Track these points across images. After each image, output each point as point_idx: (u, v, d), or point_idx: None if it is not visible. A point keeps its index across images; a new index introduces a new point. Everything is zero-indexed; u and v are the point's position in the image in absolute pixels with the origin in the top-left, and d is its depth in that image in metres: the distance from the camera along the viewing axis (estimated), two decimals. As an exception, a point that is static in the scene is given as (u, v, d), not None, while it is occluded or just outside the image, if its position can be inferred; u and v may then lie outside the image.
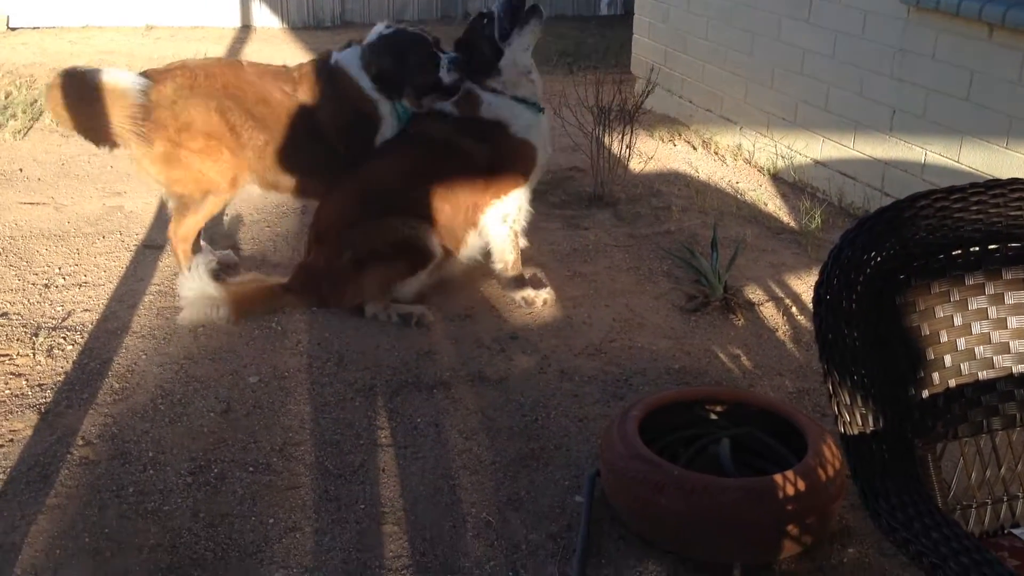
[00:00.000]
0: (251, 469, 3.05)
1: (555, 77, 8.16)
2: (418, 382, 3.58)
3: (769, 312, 4.17)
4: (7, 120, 6.41)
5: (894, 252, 1.92)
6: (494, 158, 4.10)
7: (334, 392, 3.50)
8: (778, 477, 2.60)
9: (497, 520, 2.86)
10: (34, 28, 9.30)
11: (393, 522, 2.85)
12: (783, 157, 5.81)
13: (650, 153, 6.15)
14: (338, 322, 4.00)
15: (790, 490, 2.59)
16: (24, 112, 6.57)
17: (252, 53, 8.80)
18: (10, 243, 4.64)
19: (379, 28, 4.23)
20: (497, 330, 4.00)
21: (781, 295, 4.32)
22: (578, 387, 3.58)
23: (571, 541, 2.77)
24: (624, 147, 5.48)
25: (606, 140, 5.43)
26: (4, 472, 2.99)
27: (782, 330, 4.03)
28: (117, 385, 3.50)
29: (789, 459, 2.79)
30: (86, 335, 3.85)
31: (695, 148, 6.38)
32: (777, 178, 5.80)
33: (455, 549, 2.75)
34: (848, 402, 1.89)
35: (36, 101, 6.83)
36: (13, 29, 9.22)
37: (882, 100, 5.04)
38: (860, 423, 1.90)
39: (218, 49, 8.86)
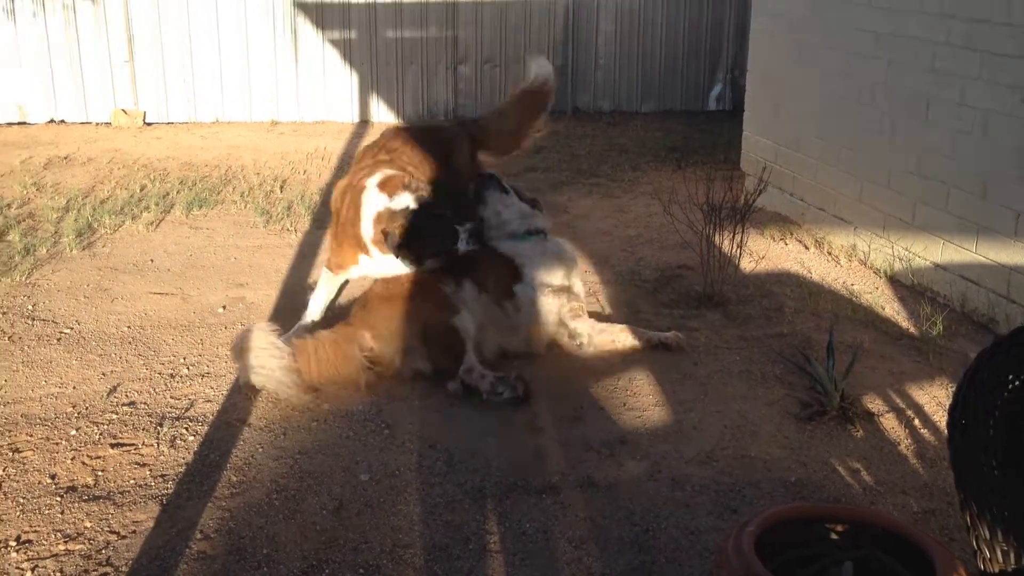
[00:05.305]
0: (361, 571, 3.07)
1: (663, 173, 8.23)
2: (527, 485, 3.56)
3: (890, 424, 4.03)
4: (141, 212, 6.78)
5: (1036, 381, 1.84)
6: None
7: (443, 493, 3.51)
8: (906, 607, 2.47)
9: (607, 637, 2.80)
10: (168, 124, 9.88)
11: (502, 633, 2.81)
12: (900, 259, 5.68)
13: (761, 252, 6.10)
14: (446, 420, 4.03)
15: (920, 622, 2.45)
16: (157, 205, 6.94)
17: (368, 147, 9.12)
18: (140, 332, 4.86)
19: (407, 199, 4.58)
20: (606, 433, 3.97)
21: (902, 406, 4.18)
22: (690, 497, 3.51)
23: (684, 664, 2.68)
24: (735, 246, 5.44)
25: (716, 239, 5.40)
26: (126, 564, 3.08)
27: (904, 444, 3.88)
28: (235, 478, 3.59)
29: (916, 587, 2.65)
30: (207, 426, 3.97)
31: (807, 248, 6.29)
32: (894, 281, 5.66)
33: (564, 666, 2.69)
34: (988, 536, 1.81)
35: (168, 194, 7.21)
36: (149, 124, 9.81)
37: (1007, 203, 4.89)
38: (1001, 559, 1.81)
39: (337, 144, 9.23)
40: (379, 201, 4.61)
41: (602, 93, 10.93)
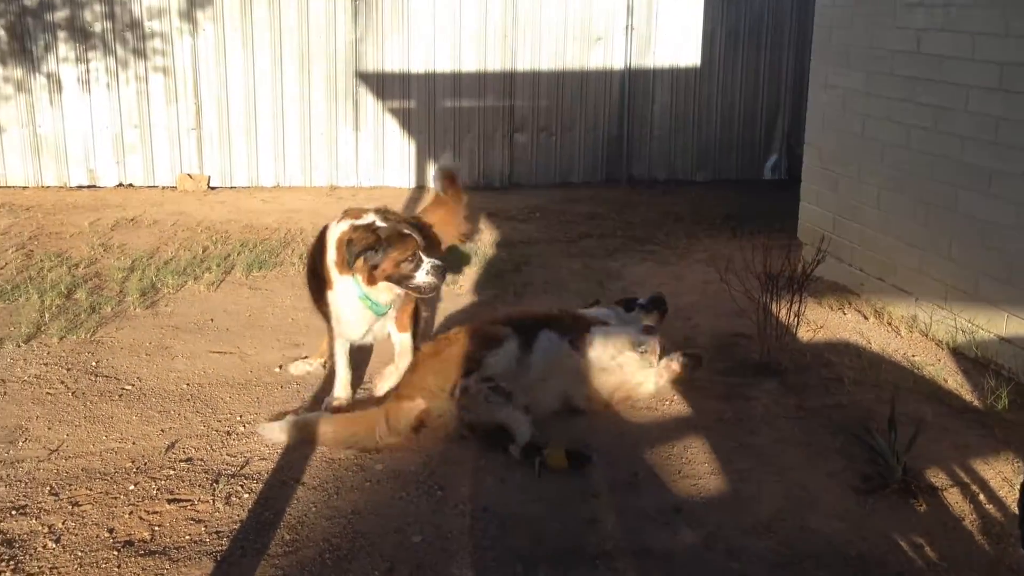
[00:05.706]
0: (413, 634, 3.04)
1: (719, 241, 8.20)
2: (581, 552, 3.52)
3: (954, 499, 3.92)
4: (202, 273, 6.93)
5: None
6: None
7: (495, 557, 3.48)
8: None
9: None
10: (231, 188, 10.14)
11: None
12: (963, 331, 5.57)
13: (819, 321, 6.02)
14: (499, 483, 4.01)
15: None
16: (218, 266, 7.09)
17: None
18: (199, 390, 4.94)
19: (373, 216, 4.64)
20: (661, 500, 3.91)
21: (967, 480, 4.06)
22: (746, 568, 3.43)
23: None
24: (792, 315, 5.39)
25: (773, 307, 5.36)
26: (180, 619, 3.09)
27: (969, 519, 3.76)
28: (288, 536, 3.60)
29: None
30: (262, 484, 4.00)
31: (866, 318, 6.20)
32: (957, 353, 5.54)
33: None
34: (1062, 619, 1.74)
35: (229, 256, 7.38)
36: (212, 188, 10.08)
37: (1073, 276, 4.80)
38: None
39: (394, 208, 9.35)
40: (343, 225, 4.63)
41: (657, 162, 10.98)
